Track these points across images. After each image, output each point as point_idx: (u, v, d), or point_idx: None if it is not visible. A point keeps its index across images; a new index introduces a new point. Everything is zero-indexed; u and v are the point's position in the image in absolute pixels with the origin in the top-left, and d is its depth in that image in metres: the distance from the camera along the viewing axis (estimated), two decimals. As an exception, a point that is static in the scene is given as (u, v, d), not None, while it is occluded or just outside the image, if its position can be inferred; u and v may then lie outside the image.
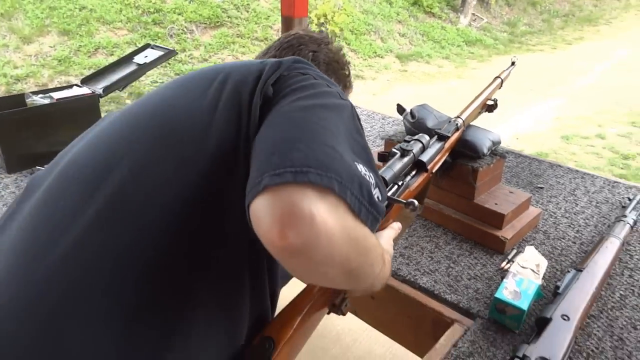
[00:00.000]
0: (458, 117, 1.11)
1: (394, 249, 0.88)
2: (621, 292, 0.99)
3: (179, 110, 0.60)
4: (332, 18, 7.60)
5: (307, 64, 0.66)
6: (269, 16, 7.44)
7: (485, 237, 1.12)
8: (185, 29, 6.57)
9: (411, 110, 1.24)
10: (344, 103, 0.61)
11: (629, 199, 1.30)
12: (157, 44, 1.81)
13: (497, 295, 0.89)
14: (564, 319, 0.84)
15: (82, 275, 0.51)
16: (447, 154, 1.07)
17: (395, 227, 0.81)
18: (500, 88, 1.28)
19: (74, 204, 0.55)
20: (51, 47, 5.60)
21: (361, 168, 0.51)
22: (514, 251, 1.10)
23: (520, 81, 7.45)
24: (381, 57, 8.02)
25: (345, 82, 0.99)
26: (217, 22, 6.88)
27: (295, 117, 0.54)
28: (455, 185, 1.17)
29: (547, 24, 11.99)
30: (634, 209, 1.24)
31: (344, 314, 0.73)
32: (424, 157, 0.94)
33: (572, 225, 1.22)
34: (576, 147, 4.99)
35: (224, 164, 0.56)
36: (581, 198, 1.36)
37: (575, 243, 1.15)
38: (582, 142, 5.17)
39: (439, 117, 1.22)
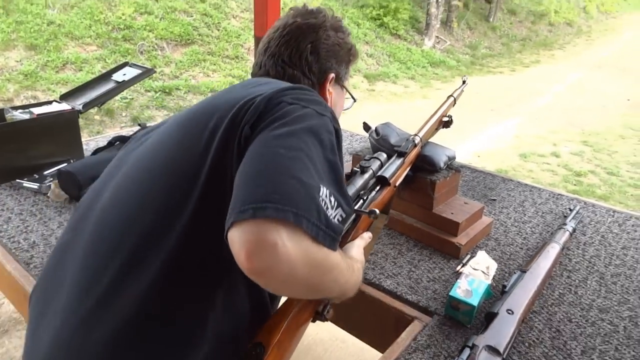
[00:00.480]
0: (416, 134, 1.24)
1: (367, 256, 0.99)
2: (560, 290, 1.12)
3: (179, 160, 0.72)
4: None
5: (284, 92, 0.73)
6: (239, 35, 7.56)
7: (443, 244, 1.23)
8: (155, 46, 6.60)
9: (376, 128, 1.36)
10: (319, 123, 0.69)
11: (570, 210, 1.45)
12: (135, 63, 1.87)
13: (451, 293, 1.00)
14: (509, 313, 0.96)
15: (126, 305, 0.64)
16: (408, 168, 1.19)
17: (365, 237, 0.92)
18: (454, 106, 1.41)
19: (110, 248, 0.69)
20: (17, 61, 5.52)
21: (323, 191, 0.61)
22: (469, 256, 1.22)
23: (482, 101, 7.81)
24: (350, 77, 8.23)
25: (347, 59, 1.00)
26: (188, 39, 6.95)
27: (264, 152, 0.63)
28: (416, 197, 1.29)
29: (506, 48, 12.62)
30: (573, 218, 1.39)
31: (327, 320, 0.82)
32: (386, 173, 1.05)
33: (520, 233, 1.36)
34: (533, 165, 5.28)
35: (216, 201, 0.66)
36: (529, 209, 1.51)
37: (522, 249, 1.29)
38: (538, 159, 5.47)
39: (401, 134, 1.34)
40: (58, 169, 1.41)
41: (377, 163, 1.06)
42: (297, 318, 0.73)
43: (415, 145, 1.21)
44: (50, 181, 1.46)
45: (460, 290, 1.01)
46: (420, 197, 1.28)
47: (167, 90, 6.03)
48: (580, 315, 1.03)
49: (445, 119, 1.36)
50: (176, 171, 0.70)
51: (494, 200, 1.55)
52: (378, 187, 1.04)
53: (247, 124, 0.67)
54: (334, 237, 0.62)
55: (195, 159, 0.69)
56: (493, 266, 1.14)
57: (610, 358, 0.92)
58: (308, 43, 0.92)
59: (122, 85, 1.76)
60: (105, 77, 1.81)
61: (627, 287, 1.14)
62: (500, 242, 1.31)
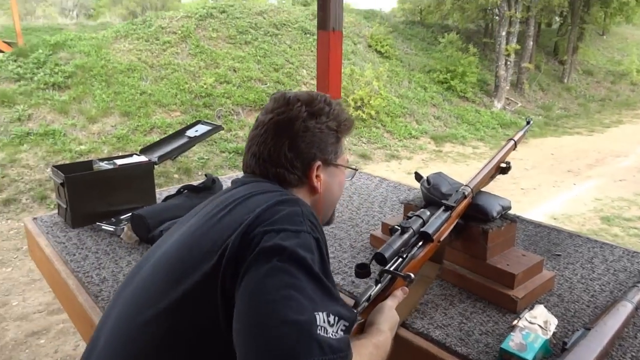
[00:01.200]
0: (466, 185, 1.22)
1: (414, 307, 1.03)
2: (633, 353, 1.01)
3: (158, 307, 0.74)
4: (369, 102, 8.06)
5: (255, 223, 0.73)
6: (309, 100, 8.00)
7: (498, 296, 1.17)
8: (232, 111, 7.14)
9: (427, 177, 1.37)
10: (294, 244, 0.69)
11: (646, 268, 1.32)
12: (207, 120, 2.06)
13: (502, 346, 0.94)
14: (569, 372, 0.88)
15: None
16: (455, 222, 1.16)
17: (398, 295, 0.93)
18: (514, 149, 1.37)
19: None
20: (112, 126, 6.21)
21: (320, 317, 0.63)
22: (527, 310, 1.14)
23: (558, 162, 7.45)
24: (416, 138, 8.29)
25: (334, 140, 0.94)
26: (262, 104, 7.44)
27: (249, 306, 0.65)
28: (469, 247, 1.25)
29: (584, 108, 12.11)
30: (650, 276, 1.27)
31: None
32: (429, 229, 1.05)
33: (587, 290, 1.26)
34: (618, 229, 4.86)
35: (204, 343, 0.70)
36: (598, 266, 1.40)
37: (589, 307, 1.18)
38: (624, 224, 5.03)
39: (453, 183, 1.33)
40: (131, 213, 1.55)
41: (419, 222, 1.05)
42: None
43: (465, 197, 1.20)
44: (125, 224, 1.60)
45: (513, 343, 0.95)
46: (472, 247, 1.24)
47: (240, 152, 6.43)
48: (656, 382, 0.92)
49: (503, 165, 1.32)
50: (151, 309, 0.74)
51: (559, 255, 1.46)
52: (420, 243, 1.03)
53: (226, 277, 0.69)
54: (344, 354, 0.64)
55: (177, 302, 0.72)
56: (553, 321, 1.06)
57: None
58: (285, 140, 0.89)
59: (193, 140, 1.93)
60: (180, 133, 2.00)
61: None
62: (564, 298, 1.22)
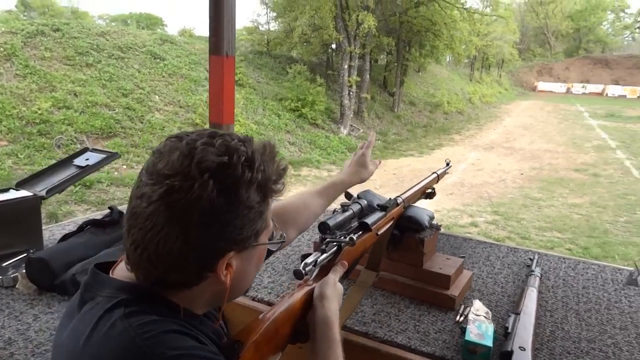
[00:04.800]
0: (398, 196, 1.35)
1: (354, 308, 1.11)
2: (550, 328, 1.22)
3: None
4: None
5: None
6: (164, 127, 7.59)
7: (437, 297, 1.30)
8: (75, 139, 6.37)
9: (358, 194, 1.45)
10: None
11: (530, 259, 1.61)
12: (96, 148, 1.83)
13: (466, 338, 1.06)
14: (522, 350, 1.03)
15: None
16: (390, 222, 1.26)
17: (338, 270, 0.94)
18: (437, 182, 1.56)
19: None
20: None
21: None
22: (462, 306, 1.30)
23: (400, 181, 8.40)
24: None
25: (254, 217, 0.67)
26: (110, 132, 6.82)
27: None
28: (405, 256, 1.36)
29: (412, 133, 13.94)
30: (537, 265, 1.55)
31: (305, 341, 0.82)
32: (368, 221, 1.13)
33: (496, 283, 1.48)
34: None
35: None
36: (495, 262, 1.65)
37: (504, 297, 1.39)
38: (460, 230, 5.90)
39: (382, 199, 1.44)
40: (27, 257, 1.30)
41: (358, 206, 1.15)
42: (275, 324, 0.76)
43: (397, 204, 1.31)
44: (13, 273, 1.32)
45: (472, 334, 1.07)
46: (409, 255, 1.36)
47: (87, 184, 5.75)
48: (575, 347, 1.13)
49: (429, 190, 1.49)
50: None
51: (464, 257, 1.68)
52: (360, 232, 1.10)
53: None
54: None
55: None
56: (489, 313, 1.23)
57: (613, 380, 1.01)
58: (180, 232, 0.61)
59: (86, 170, 1.70)
60: (65, 163, 1.74)
61: (600, 319, 1.28)
62: (483, 292, 1.41)
